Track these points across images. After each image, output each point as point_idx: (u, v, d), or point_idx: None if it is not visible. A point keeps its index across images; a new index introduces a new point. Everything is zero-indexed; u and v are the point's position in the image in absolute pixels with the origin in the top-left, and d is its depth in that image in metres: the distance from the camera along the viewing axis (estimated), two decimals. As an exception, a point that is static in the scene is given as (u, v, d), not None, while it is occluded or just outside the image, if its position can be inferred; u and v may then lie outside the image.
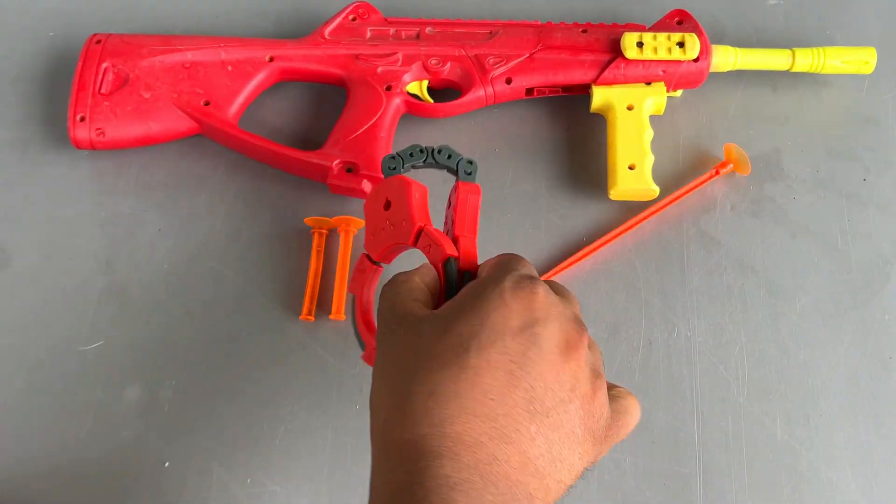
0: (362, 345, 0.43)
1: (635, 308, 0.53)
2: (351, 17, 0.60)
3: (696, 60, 0.56)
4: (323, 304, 0.53)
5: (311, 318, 0.53)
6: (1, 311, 0.53)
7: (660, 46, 0.56)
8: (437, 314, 0.36)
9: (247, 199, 0.57)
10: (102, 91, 0.56)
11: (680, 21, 0.58)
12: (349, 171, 0.54)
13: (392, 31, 0.59)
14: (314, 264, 0.54)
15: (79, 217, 0.57)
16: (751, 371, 0.51)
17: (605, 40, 0.57)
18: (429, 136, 0.59)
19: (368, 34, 0.59)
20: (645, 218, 0.55)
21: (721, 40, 0.62)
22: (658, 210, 0.55)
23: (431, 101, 0.58)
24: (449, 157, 0.43)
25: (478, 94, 0.57)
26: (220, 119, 0.56)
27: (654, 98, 0.56)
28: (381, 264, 0.44)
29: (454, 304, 0.36)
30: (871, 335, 0.52)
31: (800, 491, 0.48)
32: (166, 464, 0.49)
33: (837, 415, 0.50)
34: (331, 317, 0.53)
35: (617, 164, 0.54)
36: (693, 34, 0.56)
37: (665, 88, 0.56)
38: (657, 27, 0.58)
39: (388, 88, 0.57)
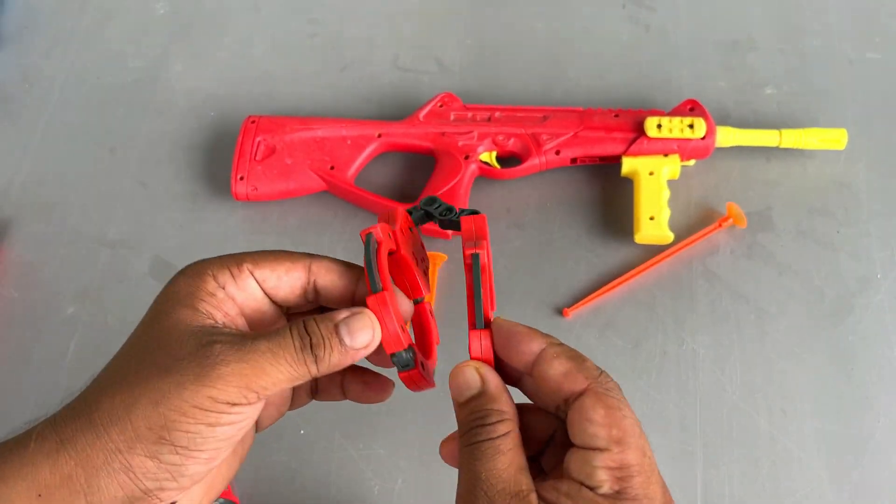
0: (404, 362, 0.37)
1: (654, 326, 0.69)
2: (439, 104, 0.78)
3: (702, 138, 0.72)
4: (416, 318, 0.71)
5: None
6: (180, 318, 0.73)
7: (674, 127, 0.72)
8: None
9: (359, 239, 0.75)
10: (257, 158, 0.76)
11: (692, 108, 0.75)
12: None
13: (470, 115, 0.77)
14: (410, 288, 0.72)
15: (235, 250, 0.76)
16: (741, 375, 0.67)
17: (632, 122, 0.74)
18: (497, 193, 0.77)
19: (452, 117, 0.77)
20: (663, 258, 0.72)
21: (725, 121, 0.79)
22: (673, 253, 0.72)
23: (499, 167, 0.76)
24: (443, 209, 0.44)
25: (534, 162, 0.74)
26: (342, 179, 0.75)
27: (669, 166, 0.72)
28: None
29: None
30: (837, 351, 0.67)
31: (777, 466, 0.63)
32: (301, 431, 0.67)
33: (808, 410, 0.65)
34: (422, 328, 0.71)
35: (641, 216, 0.70)
36: (701, 118, 0.73)
37: (679, 159, 0.73)
38: (674, 112, 0.75)
39: (466, 157, 0.74)
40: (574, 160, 0.75)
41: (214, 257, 0.37)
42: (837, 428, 0.64)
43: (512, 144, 0.75)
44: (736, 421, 0.65)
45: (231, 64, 0.88)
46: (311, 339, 0.34)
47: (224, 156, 0.80)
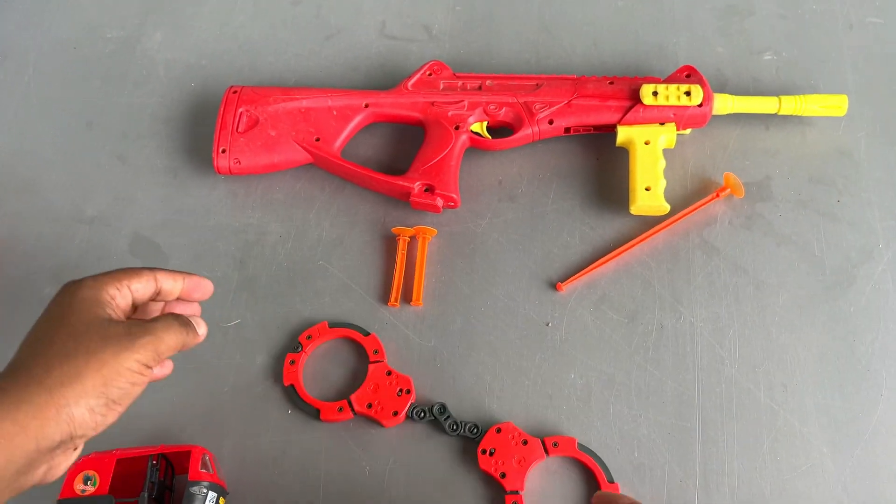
0: None
1: (650, 300, 0.67)
2: (428, 72, 0.75)
3: (699, 106, 0.70)
4: (405, 295, 0.69)
5: (397, 304, 0.68)
6: (162, 297, 0.71)
7: (671, 95, 0.70)
8: None
9: (347, 213, 0.73)
10: (239, 130, 0.72)
11: (688, 75, 0.72)
12: (427, 190, 0.69)
13: (459, 83, 0.74)
14: (399, 264, 0.70)
15: (218, 226, 0.73)
16: (741, 349, 0.65)
17: (628, 90, 0.71)
18: (488, 165, 0.75)
19: (441, 86, 0.74)
20: (659, 230, 0.69)
21: (723, 88, 0.77)
22: (670, 224, 0.70)
23: (490, 137, 0.73)
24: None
25: (526, 132, 0.72)
26: (328, 152, 0.72)
27: (666, 135, 0.70)
28: None
29: None
30: (838, 323, 0.66)
31: (777, 441, 0.62)
32: (289, 411, 0.65)
33: (809, 384, 0.64)
34: (411, 304, 0.68)
35: (637, 186, 0.68)
36: (698, 85, 0.70)
37: (675, 128, 0.71)
38: (670, 80, 0.72)
39: (457, 128, 0.72)
40: (568, 130, 0.73)
41: (96, 276, 0.50)
42: (839, 402, 0.63)
43: (504, 114, 0.73)
44: (735, 396, 0.63)
45: (212, 33, 0.85)
46: (186, 322, 0.52)
47: (206, 129, 0.77)
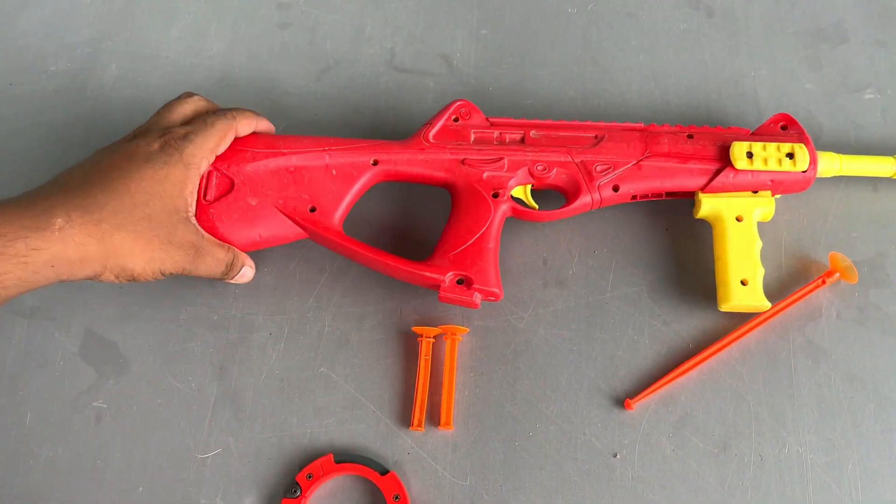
0: None
1: (744, 422, 0.53)
2: (453, 118, 0.59)
3: (804, 171, 0.56)
4: (432, 415, 0.54)
5: (422, 428, 0.54)
6: (121, 417, 0.55)
7: (770, 157, 0.55)
8: None
9: (354, 302, 0.58)
10: (207, 198, 0.55)
11: (784, 126, 0.58)
12: (460, 282, 0.54)
13: (496, 133, 0.58)
14: (423, 373, 0.55)
15: (191, 320, 0.58)
16: (865, 489, 0.51)
17: (713, 148, 0.57)
18: (528, 237, 0.60)
19: (472, 137, 0.58)
20: (753, 328, 0.55)
21: (818, 138, 0.62)
22: (765, 319, 0.55)
23: (536, 206, 0.58)
24: None
25: (584, 200, 0.56)
26: (327, 227, 0.56)
27: (762, 208, 0.56)
28: None
29: None
30: None
31: None
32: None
33: (956, 537, 0.50)
34: (440, 427, 0.54)
35: (729, 279, 0.54)
36: (802, 145, 0.56)
37: (771, 195, 0.56)
38: (761, 132, 0.58)
39: (496, 196, 0.56)
40: (634, 196, 0.58)
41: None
42: None
43: (554, 176, 0.57)
44: (860, 553, 0.50)
45: (181, 65, 0.68)
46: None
47: (174, 191, 0.62)
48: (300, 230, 0.57)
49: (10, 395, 0.56)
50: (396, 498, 0.51)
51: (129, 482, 0.54)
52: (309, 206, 0.56)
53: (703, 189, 0.56)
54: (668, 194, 0.58)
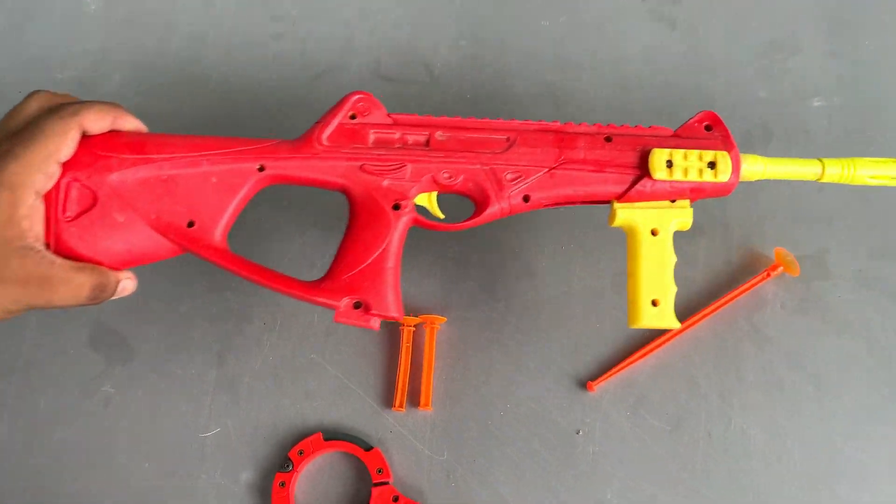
0: None
1: (696, 402, 0.59)
2: (350, 114, 0.53)
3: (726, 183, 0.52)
4: (412, 396, 0.60)
5: (403, 409, 0.59)
6: (128, 401, 0.61)
7: (690, 168, 0.52)
8: None
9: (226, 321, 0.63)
10: (68, 214, 0.48)
11: (709, 126, 0.54)
12: (358, 307, 0.50)
13: (398, 134, 0.53)
14: (404, 359, 0.60)
15: (192, 312, 0.63)
16: (803, 463, 0.56)
17: (632, 154, 0.53)
18: (502, 232, 0.65)
19: (371, 138, 0.53)
20: (704, 317, 0.60)
21: (769, 141, 0.67)
22: (715, 310, 0.61)
23: (442, 216, 0.55)
24: None
25: (493, 210, 0.53)
26: (207, 245, 0.50)
27: (679, 218, 0.53)
28: None
29: None
30: (912, 429, 0.57)
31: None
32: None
33: (884, 498, 0.55)
34: (419, 408, 0.59)
35: (640, 298, 0.51)
36: (725, 154, 0.52)
37: (689, 203, 0.53)
38: (685, 132, 0.54)
39: (397, 207, 0.52)
40: (547, 205, 0.54)
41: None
42: (916, 526, 0.55)
43: (461, 183, 0.53)
44: (797, 519, 0.55)
45: (180, 73, 0.73)
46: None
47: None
48: (177, 247, 0.51)
49: (25, 382, 0.61)
50: (380, 472, 0.56)
51: (136, 459, 0.59)
52: (186, 221, 0.50)
53: (620, 198, 0.53)
54: (584, 202, 0.54)
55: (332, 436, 0.58)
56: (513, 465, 0.57)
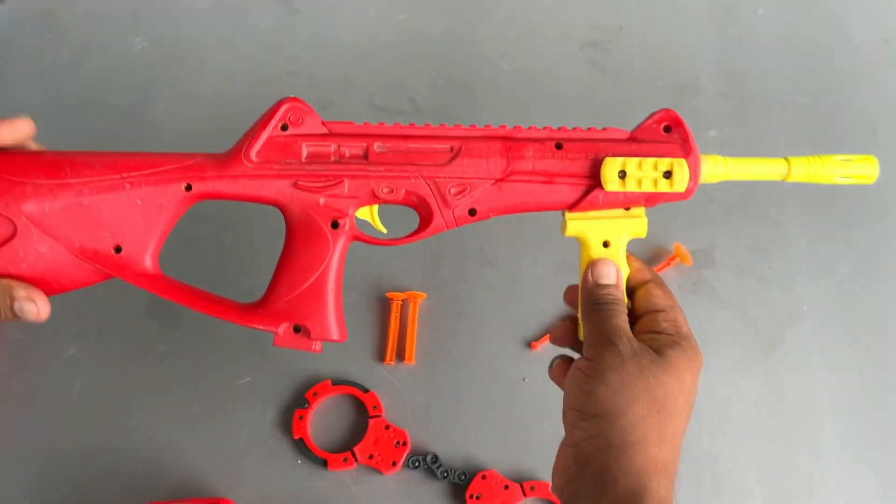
0: None
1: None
2: (281, 125, 0.51)
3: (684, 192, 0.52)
4: (399, 353, 0.78)
5: (392, 362, 0.78)
6: (178, 357, 0.78)
7: (645, 178, 0.51)
8: None
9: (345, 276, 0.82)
10: None
11: (668, 127, 0.52)
12: (297, 331, 0.51)
13: (333, 147, 0.51)
14: (393, 325, 0.79)
15: (226, 288, 0.81)
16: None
17: (584, 162, 0.51)
18: (470, 229, 0.84)
19: (305, 152, 0.51)
20: (619, 294, 0.79)
21: (675, 164, 0.87)
22: (628, 289, 0.79)
23: (384, 230, 0.55)
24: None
25: (437, 223, 0.52)
26: (136, 271, 0.49)
27: (632, 229, 0.53)
28: None
29: None
30: (770, 376, 0.77)
31: (717, 482, 0.73)
32: (298, 462, 0.74)
33: (745, 430, 0.75)
34: (405, 362, 0.78)
35: None
36: (682, 161, 0.51)
37: (644, 212, 0.54)
38: (641, 134, 0.53)
39: (335, 225, 0.50)
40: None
41: None
42: (771, 445, 0.75)
43: (403, 196, 0.51)
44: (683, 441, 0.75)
45: (213, 102, 0.92)
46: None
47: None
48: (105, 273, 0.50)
49: (98, 344, 0.79)
50: (374, 408, 0.75)
51: (186, 401, 0.76)
52: (113, 246, 0.49)
53: (571, 208, 0.52)
54: (536, 210, 0.54)
55: (338, 381, 0.76)
56: (475, 405, 0.76)
